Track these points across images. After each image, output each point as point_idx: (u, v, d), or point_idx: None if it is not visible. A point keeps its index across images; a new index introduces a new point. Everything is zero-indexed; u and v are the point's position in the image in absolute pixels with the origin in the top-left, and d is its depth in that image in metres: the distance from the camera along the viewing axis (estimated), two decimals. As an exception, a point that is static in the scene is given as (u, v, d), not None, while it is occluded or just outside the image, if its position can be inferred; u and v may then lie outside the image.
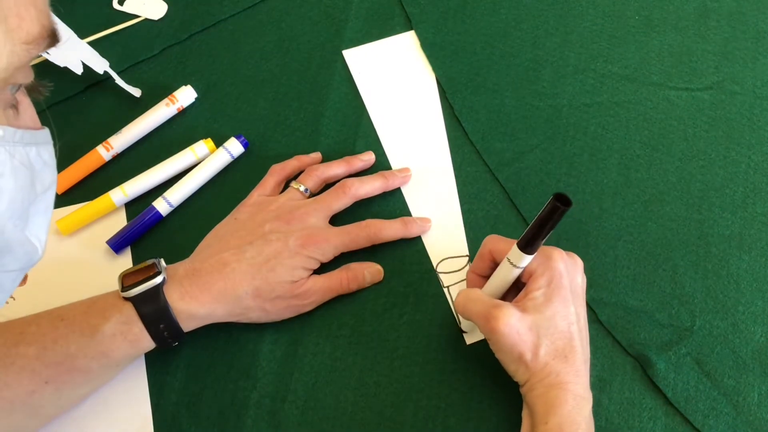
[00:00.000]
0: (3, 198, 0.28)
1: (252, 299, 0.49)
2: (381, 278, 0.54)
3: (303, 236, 0.50)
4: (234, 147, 0.58)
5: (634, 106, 0.60)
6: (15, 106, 0.31)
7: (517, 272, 0.45)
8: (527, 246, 0.43)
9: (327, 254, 0.52)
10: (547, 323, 0.44)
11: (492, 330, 0.44)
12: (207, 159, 0.58)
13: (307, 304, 0.52)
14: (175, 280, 0.48)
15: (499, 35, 0.63)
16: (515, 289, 0.48)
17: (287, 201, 0.53)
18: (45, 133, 0.32)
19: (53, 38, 0.29)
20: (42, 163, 0.31)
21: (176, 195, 0.57)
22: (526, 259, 0.44)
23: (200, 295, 0.48)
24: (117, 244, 0.55)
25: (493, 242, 0.48)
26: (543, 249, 0.45)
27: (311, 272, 0.51)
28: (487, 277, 0.49)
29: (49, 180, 0.33)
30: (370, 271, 0.53)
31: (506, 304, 0.45)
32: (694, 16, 0.63)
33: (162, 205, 0.56)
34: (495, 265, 0.48)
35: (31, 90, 0.32)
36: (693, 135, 0.58)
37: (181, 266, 0.50)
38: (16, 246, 0.30)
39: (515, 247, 0.44)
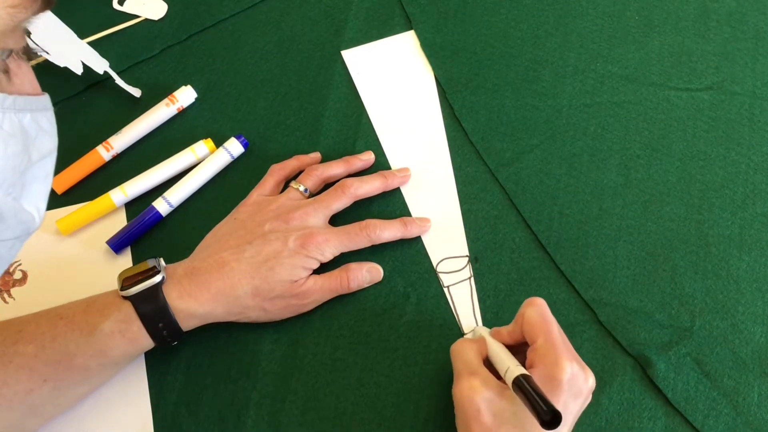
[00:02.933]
0: None
1: (251, 298, 0.49)
2: (381, 278, 0.54)
3: (302, 236, 0.50)
4: (234, 147, 0.58)
5: (634, 107, 0.60)
6: (6, 72, 0.30)
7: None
8: (516, 389, 0.40)
9: (326, 254, 0.52)
10: (516, 421, 0.40)
11: (453, 392, 0.43)
12: (207, 159, 0.58)
13: (306, 304, 0.52)
14: (174, 279, 0.48)
15: (499, 35, 0.63)
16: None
17: (287, 201, 0.53)
18: (43, 99, 0.32)
19: (45, 2, 0.28)
20: (38, 130, 0.31)
21: (176, 195, 0.57)
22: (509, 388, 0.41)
23: (199, 294, 0.48)
24: (117, 244, 0.55)
25: (533, 310, 0.43)
26: (556, 350, 0.41)
27: (311, 272, 0.51)
28: (511, 334, 0.46)
29: (48, 147, 0.32)
30: (369, 271, 0.53)
31: (483, 377, 0.42)
32: (694, 16, 0.63)
33: (162, 205, 0.56)
34: (523, 339, 0.45)
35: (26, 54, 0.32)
36: (693, 135, 0.58)
37: (180, 266, 0.50)
38: (9, 215, 0.30)
39: (514, 373, 0.40)
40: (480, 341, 0.46)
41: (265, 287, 0.49)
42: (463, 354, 0.44)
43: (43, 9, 0.28)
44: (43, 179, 0.32)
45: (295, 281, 0.50)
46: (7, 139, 0.28)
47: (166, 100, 0.61)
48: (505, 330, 0.46)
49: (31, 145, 0.30)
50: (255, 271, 0.49)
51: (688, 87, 0.60)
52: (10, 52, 0.30)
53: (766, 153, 0.57)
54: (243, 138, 0.59)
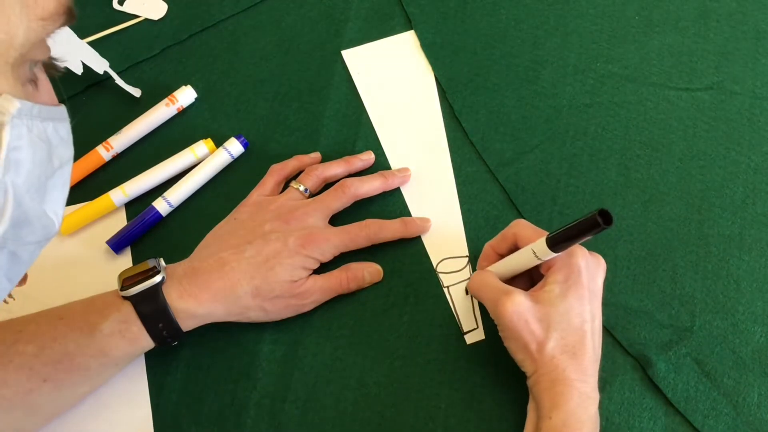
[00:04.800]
0: (21, 170, 0.29)
1: (251, 298, 0.49)
2: (381, 278, 0.54)
3: (302, 236, 0.50)
4: (234, 147, 0.58)
5: (634, 106, 0.60)
6: (34, 82, 0.31)
7: (536, 263, 0.46)
8: (556, 245, 0.43)
9: (326, 254, 0.52)
10: (560, 318, 0.44)
11: (500, 315, 0.45)
12: (207, 159, 0.58)
13: (306, 304, 0.52)
14: (174, 279, 0.48)
15: (499, 35, 0.63)
16: (527, 275, 0.49)
17: (287, 201, 0.53)
18: (62, 110, 0.33)
19: (70, 15, 0.30)
20: (59, 139, 0.32)
21: (176, 195, 0.57)
22: (551, 255, 0.44)
23: (199, 294, 0.48)
24: (117, 244, 0.55)
25: (520, 227, 0.48)
26: None
27: (311, 272, 0.51)
28: (502, 255, 0.49)
29: (67, 156, 0.33)
30: (369, 271, 0.53)
31: (518, 291, 0.45)
32: (694, 16, 0.63)
33: (162, 205, 0.56)
34: (514, 247, 0.48)
35: (46, 67, 0.33)
36: (693, 135, 0.58)
37: (180, 266, 0.50)
38: (34, 219, 0.30)
39: (543, 241, 0.44)
40: (486, 271, 0.49)
41: (265, 287, 0.49)
42: (487, 282, 0.47)
43: (69, 21, 0.30)
44: (61, 187, 0.33)
45: (295, 281, 0.50)
46: (36, 145, 0.30)
47: (166, 100, 0.61)
48: (493, 246, 0.50)
49: (54, 153, 0.31)
50: (255, 271, 0.49)
51: (688, 87, 0.60)
52: (37, 62, 0.31)
53: (766, 153, 0.57)
54: (243, 138, 0.59)
